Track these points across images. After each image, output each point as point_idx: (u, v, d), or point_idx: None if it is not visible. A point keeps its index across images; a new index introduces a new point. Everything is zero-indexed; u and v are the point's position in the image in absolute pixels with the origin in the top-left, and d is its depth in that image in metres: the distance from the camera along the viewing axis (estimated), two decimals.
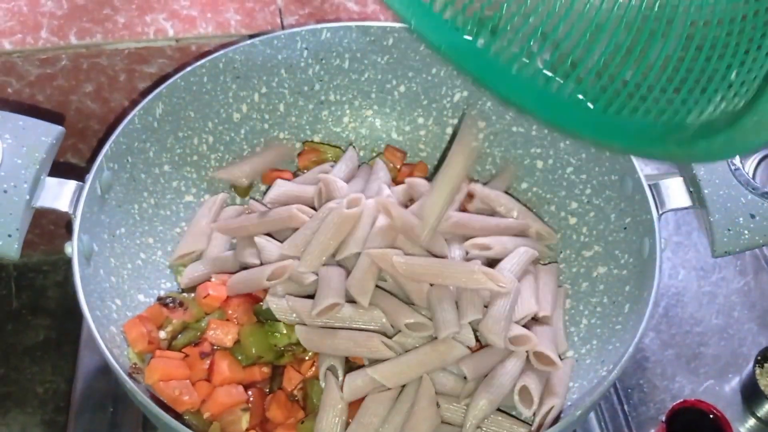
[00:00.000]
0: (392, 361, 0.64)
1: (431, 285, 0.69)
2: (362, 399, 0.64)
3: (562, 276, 0.79)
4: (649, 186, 0.69)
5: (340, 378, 0.66)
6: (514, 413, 0.68)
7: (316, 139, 0.89)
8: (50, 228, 1.11)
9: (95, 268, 0.67)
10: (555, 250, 0.80)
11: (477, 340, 0.70)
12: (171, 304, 0.70)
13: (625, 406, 0.78)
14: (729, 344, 0.83)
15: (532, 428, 0.64)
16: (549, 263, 0.78)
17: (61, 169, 0.68)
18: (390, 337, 0.67)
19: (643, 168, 0.71)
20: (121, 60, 0.92)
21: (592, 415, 0.77)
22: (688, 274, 0.89)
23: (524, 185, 0.85)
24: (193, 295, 0.72)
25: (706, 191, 0.66)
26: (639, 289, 0.67)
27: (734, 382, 0.80)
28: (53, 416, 1.03)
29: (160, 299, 0.71)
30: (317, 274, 0.70)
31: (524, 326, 0.68)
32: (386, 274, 0.70)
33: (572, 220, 0.80)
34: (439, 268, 0.67)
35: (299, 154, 0.87)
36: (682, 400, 0.72)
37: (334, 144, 0.88)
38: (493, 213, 0.79)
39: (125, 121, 0.71)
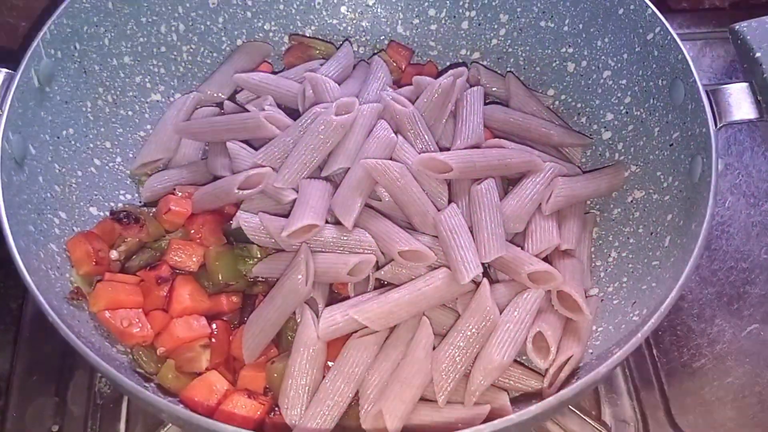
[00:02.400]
0: (379, 299, 0.53)
1: (437, 210, 0.57)
2: (344, 338, 0.54)
3: (589, 200, 0.67)
4: (707, 92, 0.56)
5: (321, 310, 0.56)
6: (524, 358, 0.58)
7: (308, 32, 0.75)
8: None
9: (32, 174, 0.56)
10: (582, 169, 0.68)
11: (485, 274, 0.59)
12: (125, 219, 0.59)
13: (654, 351, 0.67)
14: None
15: (545, 384, 0.53)
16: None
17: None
18: (380, 267, 0.57)
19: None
20: None
21: None
22: (736, 201, 0.76)
23: (551, 92, 0.72)
24: (153, 210, 0.62)
25: None
26: (685, 219, 0.56)
27: None
28: None
29: (112, 213, 0.61)
30: (297, 191, 0.59)
31: (545, 259, 0.57)
32: (382, 191, 0.59)
33: (606, 135, 0.68)
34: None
35: (286, 51, 0.74)
36: None
37: (327, 40, 0.75)
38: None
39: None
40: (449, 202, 0.60)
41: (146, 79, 0.68)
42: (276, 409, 0.53)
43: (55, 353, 0.65)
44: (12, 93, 0.54)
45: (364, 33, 0.76)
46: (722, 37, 0.86)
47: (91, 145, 0.63)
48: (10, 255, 0.48)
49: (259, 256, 0.59)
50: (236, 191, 0.59)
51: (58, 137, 0.60)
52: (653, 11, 0.61)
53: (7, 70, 0.55)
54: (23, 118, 0.55)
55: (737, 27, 0.57)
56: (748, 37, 0.56)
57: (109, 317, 0.54)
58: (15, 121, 0.54)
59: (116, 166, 0.65)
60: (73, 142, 0.62)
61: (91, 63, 0.63)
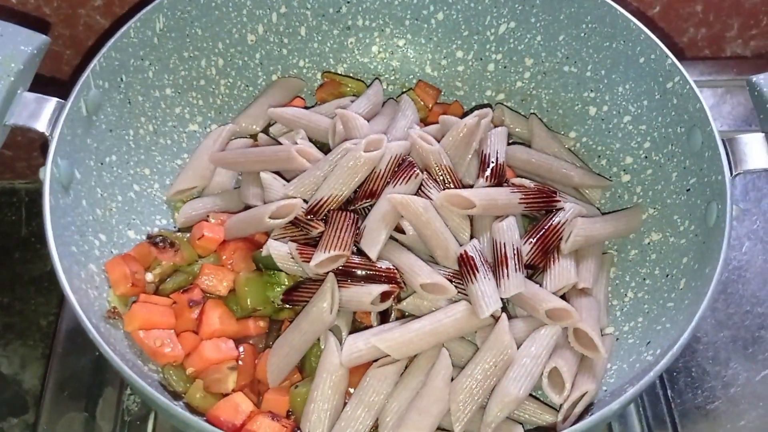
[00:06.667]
0: (400, 328, 0.55)
1: (460, 245, 0.60)
2: (366, 365, 0.56)
3: (607, 241, 0.68)
4: (723, 141, 0.58)
5: (344, 337, 0.58)
6: (539, 392, 0.59)
7: (340, 69, 0.79)
8: None
9: (76, 198, 0.59)
10: (601, 210, 0.69)
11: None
12: (161, 244, 0.62)
13: (669, 392, 0.68)
14: None
15: (559, 419, 0.55)
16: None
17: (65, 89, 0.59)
18: (402, 299, 0.59)
19: (718, 122, 0.60)
20: None
21: None
22: (753, 247, 0.77)
23: (573, 134, 0.74)
24: (188, 235, 0.65)
25: None
26: (700, 263, 0.57)
27: None
28: None
29: (149, 237, 0.63)
30: (326, 221, 0.61)
31: (563, 297, 0.59)
32: (407, 225, 0.61)
33: (625, 178, 0.70)
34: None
35: (318, 87, 0.77)
36: None
37: (358, 77, 0.78)
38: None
39: (118, 34, 0.63)
40: (471, 237, 0.62)
41: (185, 110, 0.72)
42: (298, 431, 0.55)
43: (86, 370, 0.68)
44: (62, 120, 0.57)
45: (393, 72, 0.79)
46: (743, 85, 0.88)
47: (132, 172, 0.67)
48: (56, 274, 0.51)
49: (286, 283, 0.61)
50: (267, 220, 0.61)
51: (102, 163, 0.63)
52: (673, 61, 0.63)
53: (58, 99, 0.58)
54: (71, 144, 0.59)
55: (754, 79, 0.59)
56: (765, 89, 0.58)
57: (143, 337, 0.56)
58: (63, 147, 0.57)
59: (153, 192, 0.69)
60: (115, 169, 0.65)
61: (135, 94, 0.67)
